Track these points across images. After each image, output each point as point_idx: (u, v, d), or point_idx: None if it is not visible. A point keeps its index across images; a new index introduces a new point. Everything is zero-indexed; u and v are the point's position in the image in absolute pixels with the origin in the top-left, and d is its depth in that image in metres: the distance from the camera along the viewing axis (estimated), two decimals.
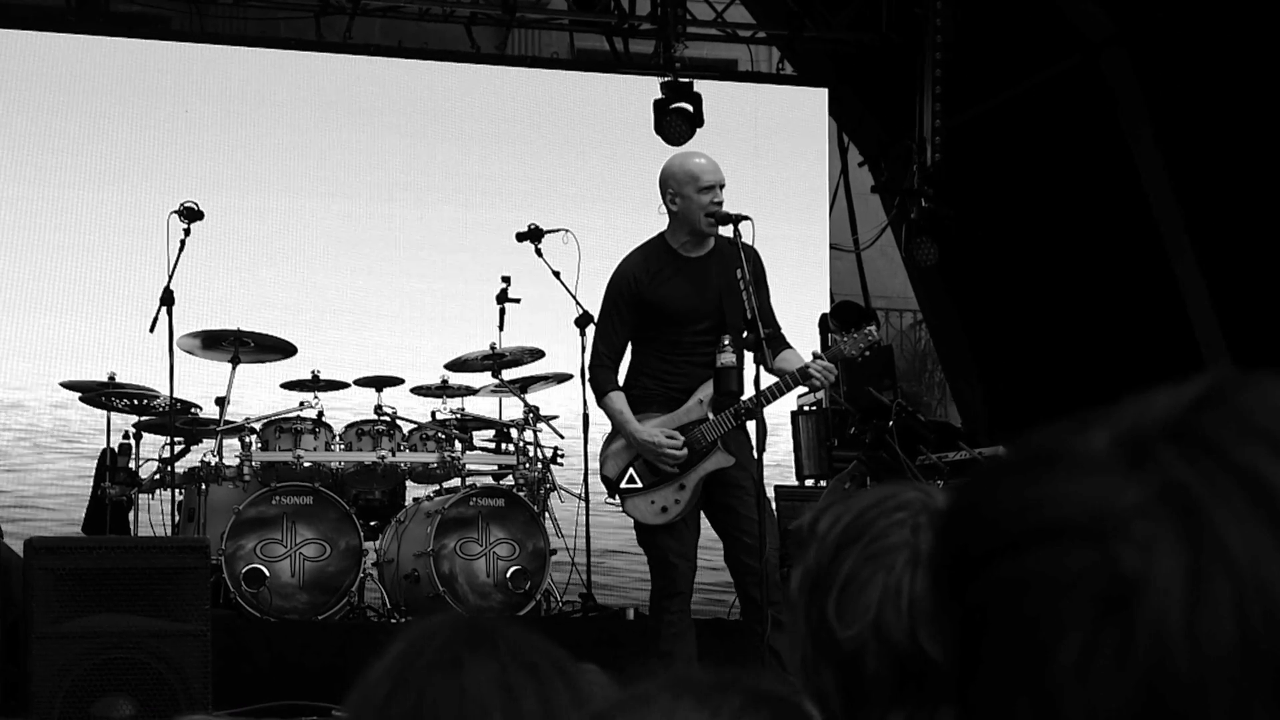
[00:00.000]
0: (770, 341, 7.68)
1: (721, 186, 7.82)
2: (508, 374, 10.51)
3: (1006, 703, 1.01)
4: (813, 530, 2.13)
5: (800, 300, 12.55)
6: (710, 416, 7.86)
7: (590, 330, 9.98)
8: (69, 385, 10.35)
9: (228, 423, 10.01)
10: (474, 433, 10.61)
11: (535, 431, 10.35)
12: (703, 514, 7.99)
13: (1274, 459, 0.99)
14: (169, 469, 9.98)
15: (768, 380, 7.73)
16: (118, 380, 10.16)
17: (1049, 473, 1.02)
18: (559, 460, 10.43)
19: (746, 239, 7.77)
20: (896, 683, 1.96)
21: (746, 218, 7.75)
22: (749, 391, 7.78)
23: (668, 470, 7.85)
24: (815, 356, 7.89)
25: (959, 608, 1.05)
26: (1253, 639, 0.95)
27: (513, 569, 9.79)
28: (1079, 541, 0.99)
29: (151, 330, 9.81)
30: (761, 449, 7.61)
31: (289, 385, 10.48)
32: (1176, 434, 1.01)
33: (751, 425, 7.79)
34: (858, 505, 2.11)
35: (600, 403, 8.02)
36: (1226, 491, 0.98)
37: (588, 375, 8.24)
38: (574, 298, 10.18)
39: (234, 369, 10.18)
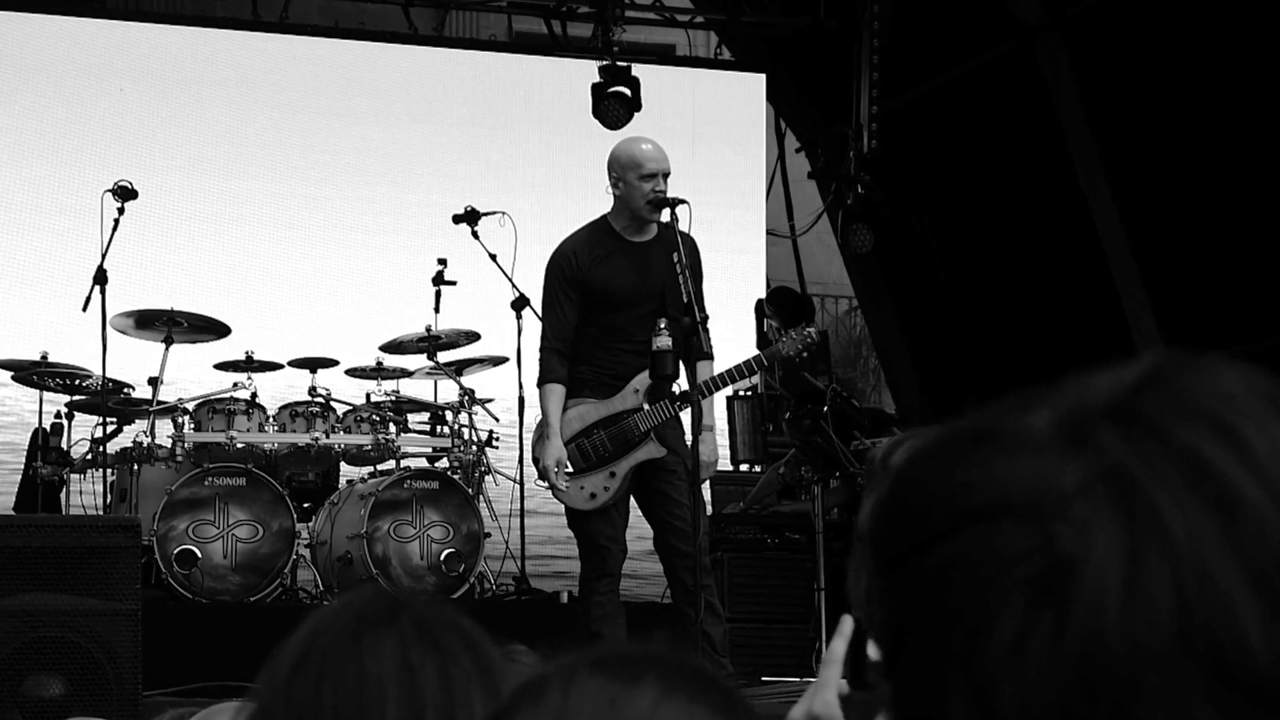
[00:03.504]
0: (703, 329, 7.68)
1: (666, 175, 7.82)
2: (443, 356, 10.50)
3: (938, 685, 1.00)
4: (885, 462, 2.10)
5: (736, 286, 12.58)
6: (645, 406, 7.87)
7: (526, 313, 9.99)
8: (0, 364, 10.28)
9: (160, 403, 9.96)
10: (409, 415, 10.59)
11: (470, 414, 10.35)
12: (633, 499, 8.01)
13: (1214, 440, 0.98)
14: (101, 449, 9.93)
15: (702, 373, 7.74)
16: (50, 359, 10.10)
17: (988, 452, 1.02)
18: (494, 443, 10.43)
19: (684, 223, 7.77)
20: None
21: (684, 201, 7.76)
22: (683, 374, 7.79)
23: (586, 463, 7.87)
24: (758, 362, 7.90)
25: (895, 587, 1.04)
26: (1189, 623, 0.94)
27: (446, 552, 9.79)
28: (1017, 522, 0.98)
29: (84, 309, 9.75)
30: (696, 437, 7.61)
31: (222, 366, 10.44)
32: (1117, 415, 1.00)
33: (685, 413, 7.81)
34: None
35: (538, 387, 8.01)
36: (1166, 473, 0.97)
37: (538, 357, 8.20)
38: (510, 281, 10.17)
39: (167, 349, 10.13)
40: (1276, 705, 0.94)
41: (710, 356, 7.78)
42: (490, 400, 10.53)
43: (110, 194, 9.87)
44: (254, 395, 10.17)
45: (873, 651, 2.14)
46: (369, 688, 1.88)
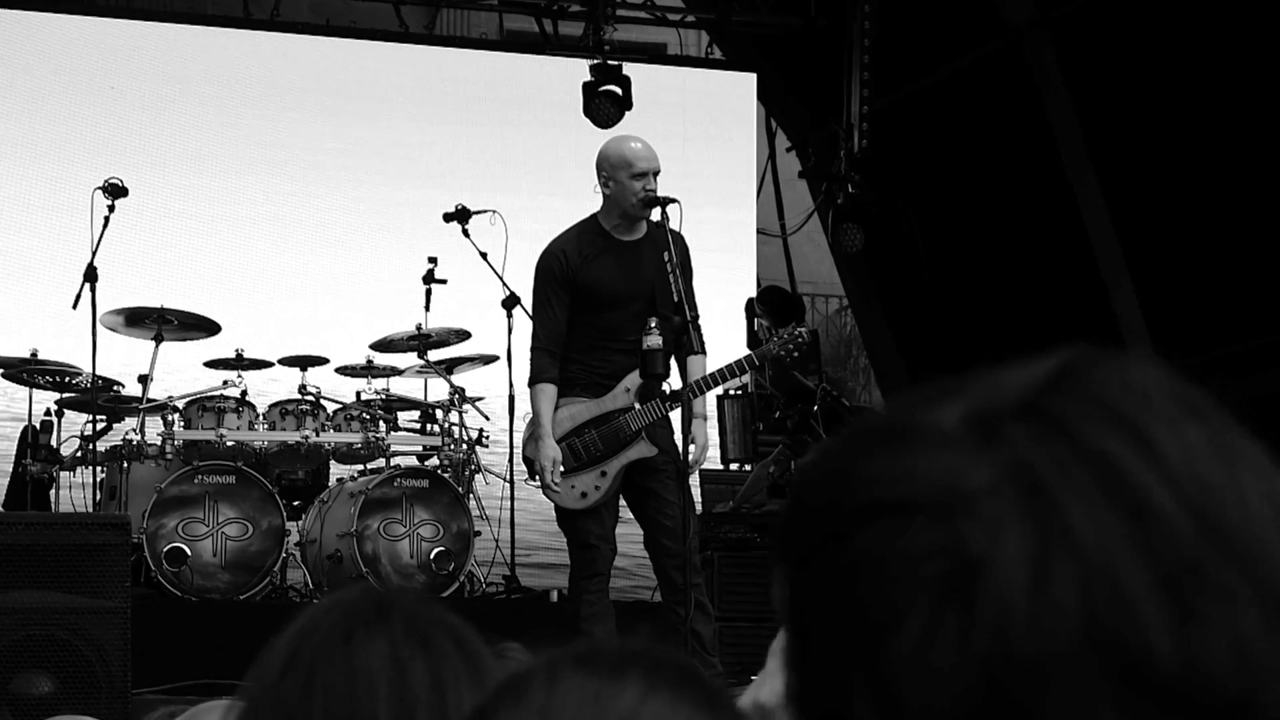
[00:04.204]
0: (693, 328, 7.68)
1: (656, 174, 7.82)
2: (433, 355, 10.50)
3: (843, 685, 0.99)
4: None
5: (727, 285, 12.59)
6: (636, 406, 7.88)
7: (517, 312, 9.99)
8: None
9: (150, 401, 9.96)
10: (399, 413, 10.59)
11: (460, 413, 10.35)
12: (622, 498, 8.02)
13: (1124, 440, 0.97)
14: (91, 446, 9.92)
15: (694, 368, 7.75)
16: (40, 357, 10.10)
17: (897, 447, 1.00)
18: (484, 442, 10.43)
19: (674, 222, 7.78)
20: None
21: (674, 200, 7.76)
22: (674, 373, 7.80)
23: (576, 464, 7.88)
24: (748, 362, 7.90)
25: (801, 584, 1.03)
26: (1096, 626, 0.93)
27: (436, 550, 9.79)
28: (926, 520, 0.97)
29: (74, 307, 9.75)
30: (686, 434, 7.62)
31: (213, 364, 10.43)
32: (1027, 413, 0.99)
33: (675, 412, 7.82)
34: None
35: (530, 386, 8.00)
36: (1074, 474, 0.96)
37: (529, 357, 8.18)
38: (501, 279, 10.17)
39: (157, 347, 10.12)
40: (1182, 709, 0.93)
41: (703, 353, 7.78)
42: (480, 399, 10.53)
43: (100, 191, 9.86)
44: (244, 393, 10.16)
45: None
46: (359, 686, 1.88)
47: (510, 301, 10.15)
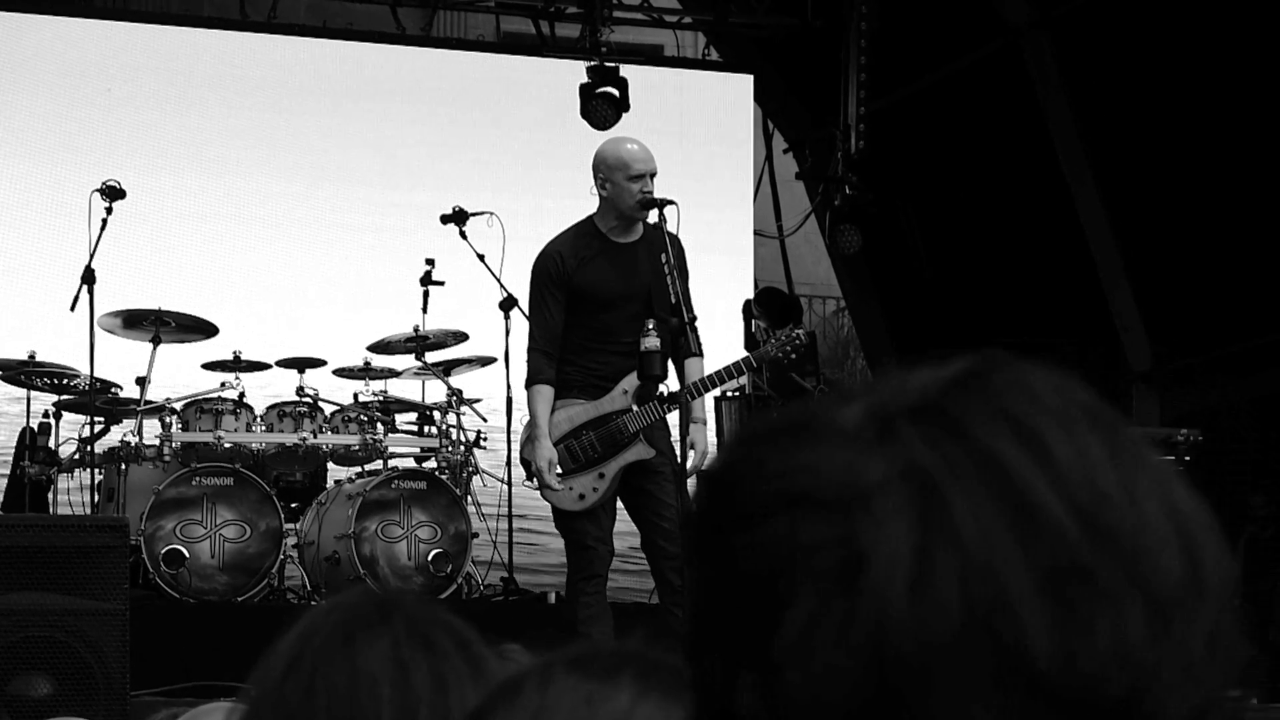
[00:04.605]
0: (690, 329, 7.68)
1: (653, 175, 7.81)
2: (431, 357, 10.50)
3: (731, 674, 1.00)
4: None
5: (724, 287, 12.59)
6: (634, 408, 7.88)
7: (514, 314, 9.99)
8: None
9: (148, 403, 9.96)
10: (396, 415, 10.59)
11: (458, 414, 10.35)
12: (619, 500, 8.01)
13: (1014, 442, 0.98)
14: (89, 448, 9.93)
15: (692, 370, 7.75)
16: (38, 359, 10.10)
17: (800, 441, 1.02)
18: (482, 443, 10.43)
19: (671, 224, 7.77)
20: None
21: (672, 202, 7.76)
22: (671, 375, 7.80)
23: (573, 465, 7.88)
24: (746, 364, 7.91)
25: (699, 572, 1.04)
26: (976, 622, 0.94)
27: (434, 552, 9.78)
28: (823, 513, 0.98)
29: (72, 309, 9.75)
30: (684, 436, 7.62)
31: (210, 366, 10.43)
32: (923, 412, 1.00)
33: (673, 415, 7.83)
34: None
35: (527, 388, 8.00)
36: (963, 472, 0.97)
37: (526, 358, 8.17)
38: (498, 281, 10.17)
39: (155, 349, 10.12)
40: (1064, 710, 0.94)
41: (700, 354, 7.78)
42: (478, 400, 10.53)
43: (98, 193, 9.86)
44: (241, 395, 10.17)
45: None
46: (362, 688, 1.89)
47: (507, 303, 10.15)
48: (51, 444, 10.03)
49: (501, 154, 12.92)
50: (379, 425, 10.30)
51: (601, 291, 7.83)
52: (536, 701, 1.29)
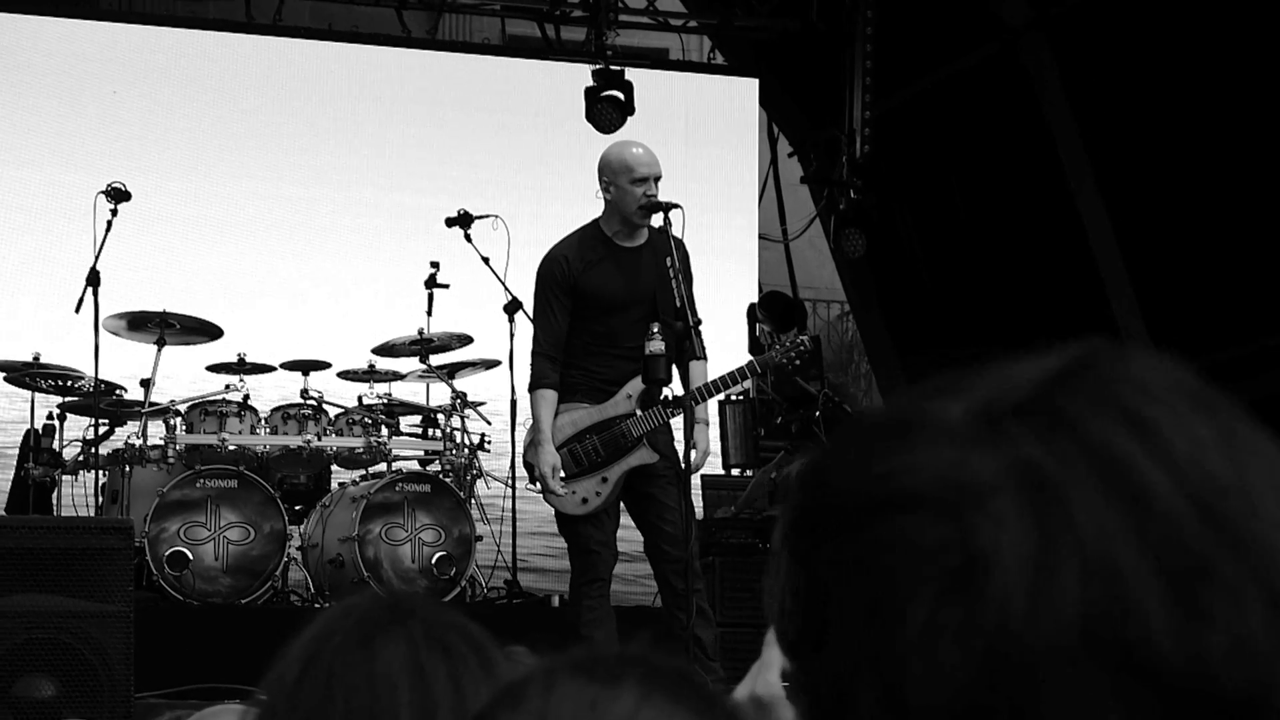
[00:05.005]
0: (695, 333, 7.69)
1: (657, 179, 7.81)
2: (435, 359, 10.50)
3: (848, 675, 0.99)
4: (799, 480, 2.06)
5: (729, 290, 12.60)
6: (638, 412, 7.88)
7: (519, 317, 9.99)
8: None
9: (152, 404, 9.96)
10: (401, 418, 10.59)
11: (462, 417, 10.35)
12: (622, 504, 8.02)
13: (1129, 436, 0.97)
14: (93, 450, 9.93)
15: (696, 374, 7.75)
16: (42, 360, 10.10)
17: (906, 441, 1.00)
18: (486, 446, 10.43)
19: (676, 228, 7.78)
20: None
21: (677, 206, 7.76)
22: (675, 379, 7.80)
23: (577, 469, 7.88)
24: (750, 370, 7.91)
25: (806, 574, 1.03)
26: (1098, 620, 0.93)
27: (438, 555, 9.79)
28: (933, 515, 0.97)
29: (77, 311, 9.76)
30: (688, 440, 7.62)
31: (215, 368, 10.43)
32: (1033, 408, 0.99)
33: (676, 419, 7.84)
34: None
35: (530, 392, 8.01)
36: (1078, 468, 0.96)
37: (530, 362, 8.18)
38: (503, 284, 10.17)
39: (159, 351, 10.13)
40: (1187, 705, 0.93)
41: (704, 358, 7.79)
42: (482, 403, 10.52)
43: (103, 195, 9.87)
44: (246, 397, 10.17)
45: (785, 663, 2.13)
46: (380, 691, 1.89)
47: (512, 306, 10.15)
48: (56, 446, 10.03)
49: (506, 157, 12.93)
50: (383, 428, 10.30)
51: (606, 296, 7.83)
52: (540, 706, 1.29)
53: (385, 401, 10.53)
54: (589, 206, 8.09)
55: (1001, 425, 0.99)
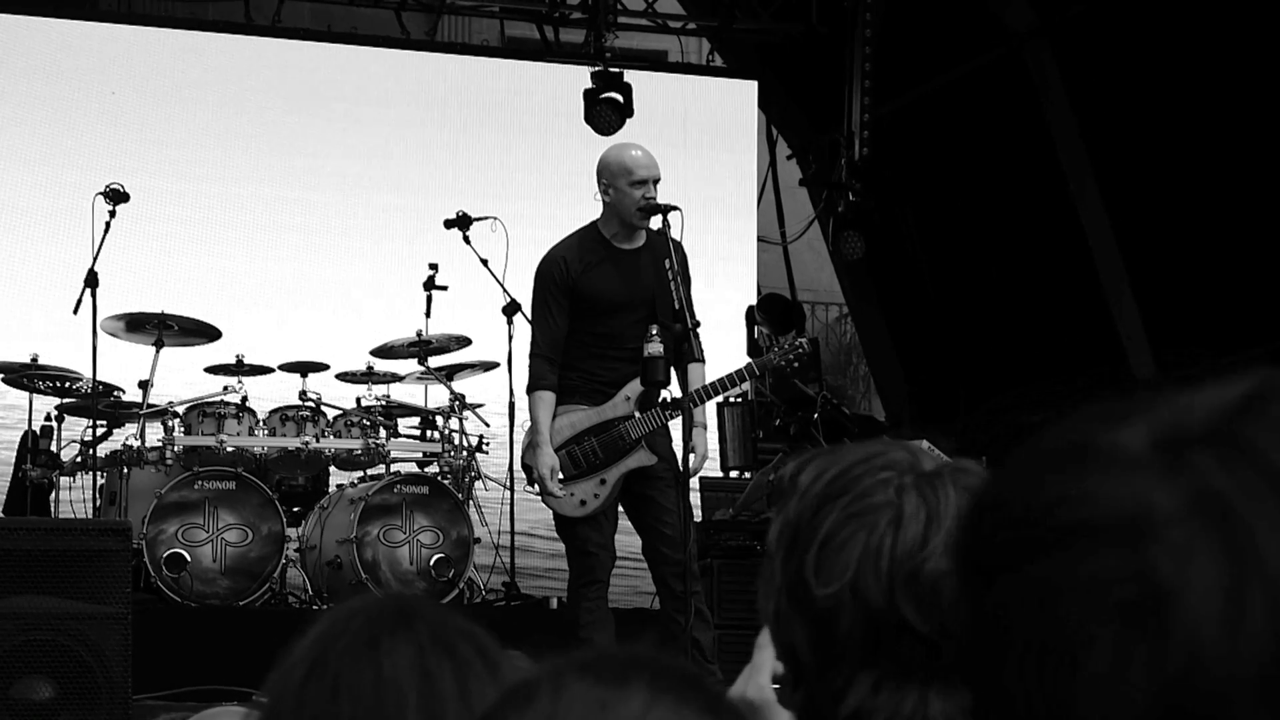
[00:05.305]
0: (693, 335, 7.69)
1: (656, 181, 7.81)
2: (434, 361, 10.50)
3: (1027, 706, 0.98)
4: (794, 481, 2.06)
5: (727, 293, 12.60)
6: (636, 414, 7.88)
7: (518, 319, 9.99)
8: None
9: (150, 406, 9.96)
10: (399, 420, 10.58)
11: (461, 419, 10.35)
12: (620, 506, 8.02)
13: None
14: (90, 452, 9.93)
15: (694, 376, 7.75)
16: (40, 361, 10.10)
17: (1081, 470, 0.99)
18: (484, 448, 10.42)
19: (675, 230, 7.78)
20: (869, 644, 1.94)
21: (675, 208, 7.76)
22: (673, 381, 7.80)
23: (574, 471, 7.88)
24: (750, 373, 7.91)
25: (985, 601, 1.02)
26: None
27: (436, 557, 9.78)
28: (1111, 545, 0.96)
29: (75, 312, 9.75)
30: (687, 442, 7.62)
31: (213, 369, 10.43)
32: (1215, 438, 0.97)
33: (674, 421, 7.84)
34: (843, 460, 2.02)
35: (528, 394, 8.01)
36: (1263, 500, 0.95)
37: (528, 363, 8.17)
38: (502, 286, 10.17)
39: (157, 352, 10.12)
40: None
41: (702, 360, 7.78)
42: (481, 405, 10.52)
43: (102, 197, 9.86)
44: (244, 399, 10.16)
45: (777, 666, 2.13)
46: (387, 695, 1.89)
47: (511, 308, 10.14)
48: (53, 447, 10.02)
49: (505, 159, 12.92)
50: (381, 430, 10.30)
51: (605, 297, 7.84)
52: (549, 707, 1.28)
53: (383, 403, 10.53)
54: (588, 208, 8.09)
55: (1183, 454, 0.97)
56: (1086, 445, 1.01)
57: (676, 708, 1.29)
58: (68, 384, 10.09)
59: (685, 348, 7.61)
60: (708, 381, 7.83)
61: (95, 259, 9.79)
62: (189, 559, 9.49)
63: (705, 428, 7.95)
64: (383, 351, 10.57)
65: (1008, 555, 1.00)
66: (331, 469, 10.58)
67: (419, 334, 10.45)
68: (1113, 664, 0.95)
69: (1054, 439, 1.03)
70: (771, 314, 12.93)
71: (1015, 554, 1.00)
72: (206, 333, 10.32)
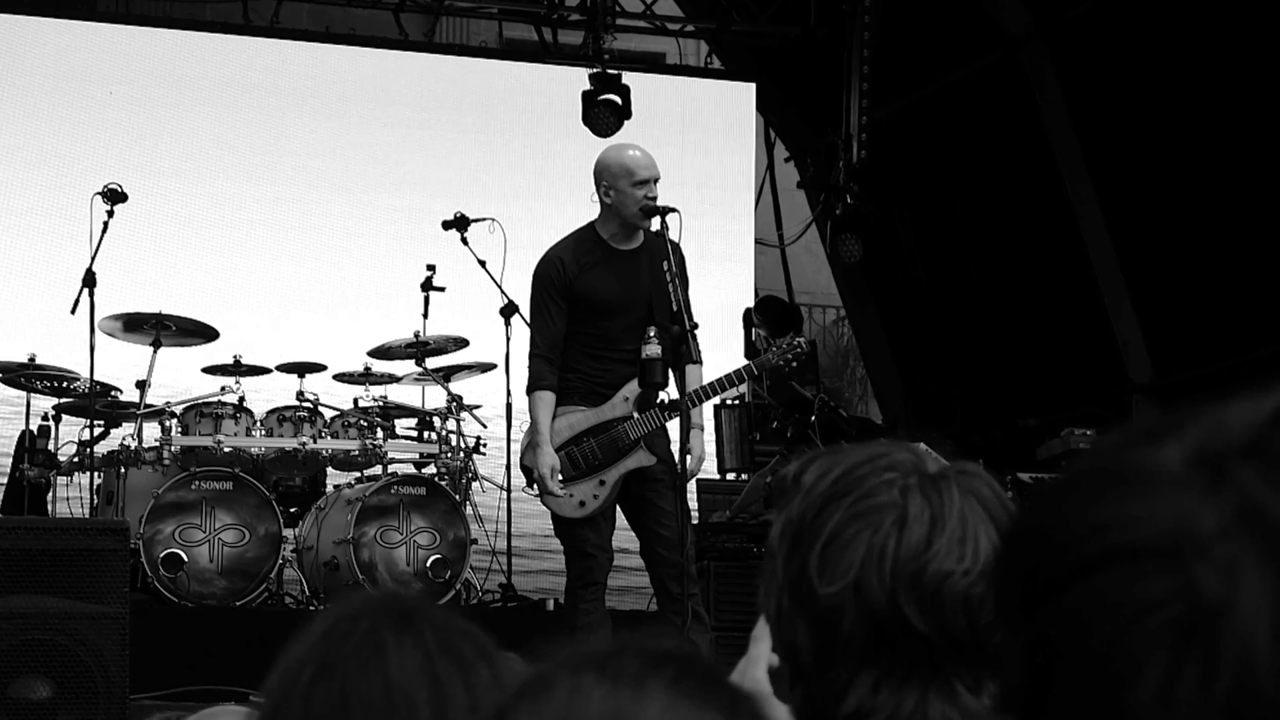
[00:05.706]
0: (691, 337, 7.69)
1: (656, 180, 7.82)
2: (431, 362, 10.50)
3: None
4: (797, 480, 2.06)
5: (725, 295, 12.59)
6: (635, 415, 7.88)
7: (515, 320, 9.99)
8: None
9: (148, 406, 9.96)
10: (396, 421, 10.58)
11: (458, 420, 10.35)
12: (618, 508, 8.02)
13: None
14: (88, 451, 9.92)
15: (692, 378, 7.75)
16: (38, 361, 10.10)
17: (1120, 491, 0.99)
18: (481, 450, 10.42)
19: (673, 231, 7.78)
20: (871, 644, 1.94)
21: (674, 210, 7.76)
22: (671, 382, 7.80)
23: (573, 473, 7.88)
24: (748, 373, 7.92)
25: (1028, 629, 1.02)
26: None
27: (433, 558, 9.78)
28: (1155, 565, 0.95)
29: (73, 312, 9.75)
30: (685, 444, 7.62)
31: (210, 370, 10.43)
32: (1256, 452, 0.97)
33: (673, 422, 7.84)
34: (848, 460, 2.02)
35: (528, 394, 8.01)
36: None
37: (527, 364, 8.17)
38: (499, 287, 10.17)
39: (155, 352, 10.12)
40: None
41: (699, 362, 7.78)
42: (478, 406, 10.52)
43: (100, 197, 9.86)
44: (242, 399, 10.17)
45: (772, 659, 2.13)
46: (397, 701, 1.88)
47: (508, 309, 10.15)
48: (51, 447, 10.03)
49: (503, 160, 12.92)
50: (379, 431, 10.29)
51: (603, 298, 7.84)
52: (565, 703, 1.28)
53: (381, 404, 10.53)
54: (585, 209, 8.09)
55: (1223, 471, 0.97)
56: (1123, 468, 1.00)
57: (695, 708, 1.28)
58: (65, 384, 10.09)
59: (683, 349, 7.61)
60: (705, 383, 7.83)
61: (93, 259, 9.78)
62: (186, 559, 9.49)
63: (702, 429, 7.95)
64: (380, 352, 10.57)
65: (1049, 584, 1.00)
66: (329, 470, 10.58)
67: (416, 335, 10.45)
68: (1163, 685, 0.94)
69: (1087, 465, 1.03)
70: (769, 316, 12.92)
71: (1059, 579, 0.99)
72: (204, 333, 10.32)
